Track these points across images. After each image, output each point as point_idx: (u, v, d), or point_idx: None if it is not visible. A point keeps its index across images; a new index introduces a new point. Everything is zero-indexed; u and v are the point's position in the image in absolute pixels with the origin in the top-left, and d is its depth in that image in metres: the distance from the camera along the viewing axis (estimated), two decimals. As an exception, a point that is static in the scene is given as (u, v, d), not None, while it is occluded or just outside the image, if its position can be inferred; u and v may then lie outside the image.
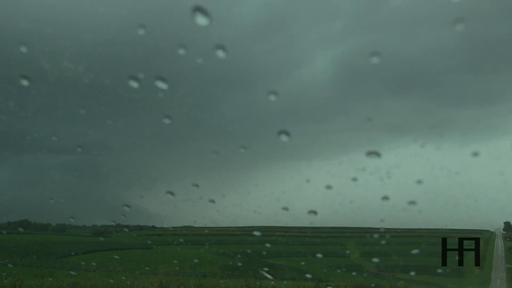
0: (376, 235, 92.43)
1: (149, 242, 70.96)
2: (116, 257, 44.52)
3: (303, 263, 60.07)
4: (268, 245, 77.55)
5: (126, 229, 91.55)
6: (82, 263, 38.26)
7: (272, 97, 6.95)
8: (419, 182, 7.69)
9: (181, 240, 78.60)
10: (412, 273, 62.72)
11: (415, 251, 76.30)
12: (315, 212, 7.28)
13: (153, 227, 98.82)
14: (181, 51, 6.52)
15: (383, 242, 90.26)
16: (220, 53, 5.48)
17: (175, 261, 38.52)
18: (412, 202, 7.41)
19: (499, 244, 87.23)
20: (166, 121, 8.31)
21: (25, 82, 7.56)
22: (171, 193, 9.50)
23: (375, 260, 77.48)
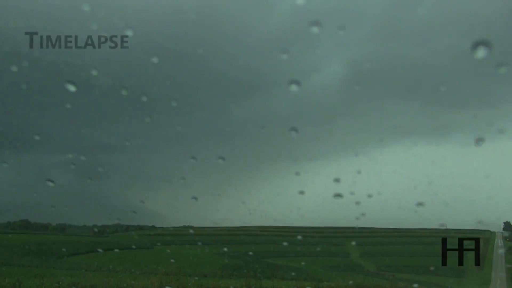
0: (376, 235, 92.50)
1: (149, 242, 70.92)
2: (116, 252, 44.58)
3: (303, 263, 60.02)
4: (268, 245, 77.54)
5: (126, 229, 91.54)
6: (82, 263, 38.28)
7: (294, 87, 6.80)
8: (421, 182, 7.70)
9: (181, 240, 78.49)
10: (413, 273, 62.77)
11: (415, 251, 76.35)
12: (340, 195, 7.11)
13: (153, 227, 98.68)
14: (199, 52, 6.51)
15: (383, 242, 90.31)
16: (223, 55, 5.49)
17: (173, 261, 38.52)
18: (420, 204, 7.41)
19: (499, 244, 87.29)
20: (178, 128, 8.33)
21: (25, 85, 7.59)
22: (195, 198, 9.49)
23: (375, 260, 77.57)
